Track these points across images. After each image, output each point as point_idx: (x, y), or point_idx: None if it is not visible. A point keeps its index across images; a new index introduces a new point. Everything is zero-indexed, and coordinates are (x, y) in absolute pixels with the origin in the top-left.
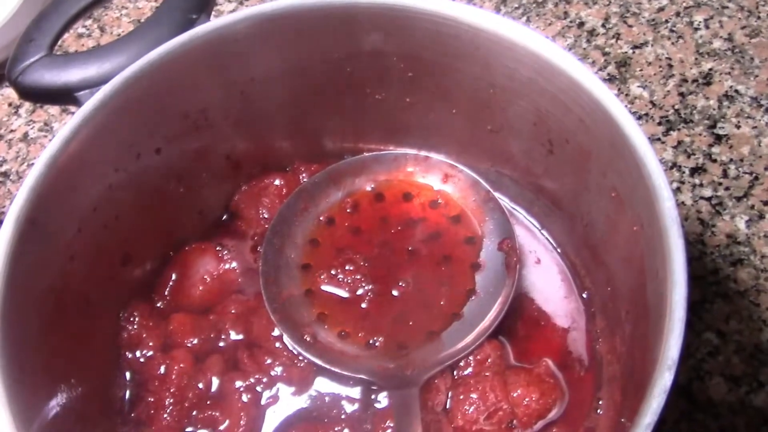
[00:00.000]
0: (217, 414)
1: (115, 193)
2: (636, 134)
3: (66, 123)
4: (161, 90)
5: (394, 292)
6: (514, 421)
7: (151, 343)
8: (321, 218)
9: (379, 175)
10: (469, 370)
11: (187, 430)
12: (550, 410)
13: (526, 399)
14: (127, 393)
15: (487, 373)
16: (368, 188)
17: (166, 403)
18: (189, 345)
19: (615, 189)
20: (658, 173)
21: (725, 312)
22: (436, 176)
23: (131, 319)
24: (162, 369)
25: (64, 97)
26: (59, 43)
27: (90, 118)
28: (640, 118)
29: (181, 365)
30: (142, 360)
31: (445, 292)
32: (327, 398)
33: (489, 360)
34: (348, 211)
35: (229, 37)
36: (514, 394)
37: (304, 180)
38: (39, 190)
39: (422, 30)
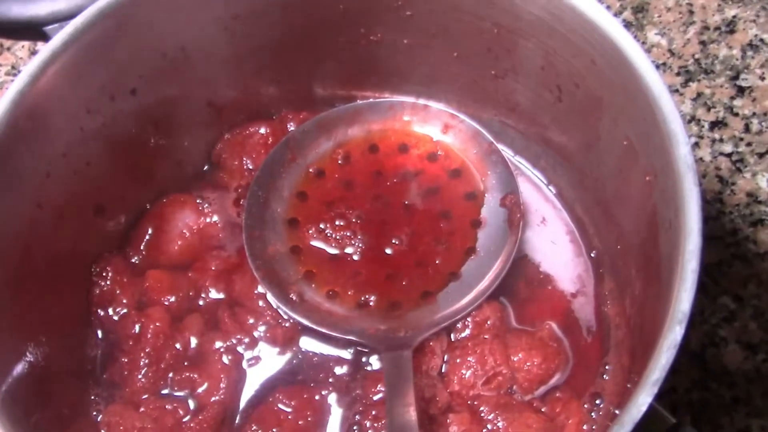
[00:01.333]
0: (196, 376)
1: (87, 136)
2: (651, 75)
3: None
4: (137, 25)
5: (388, 250)
6: (514, 387)
7: (125, 301)
8: (310, 170)
9: (373, 125)
10: (467, 332)
11: (162, 392)
12: (553, 376)
13: (528, 363)
14: (100, 353)
15: (486, 336)
16: (361, 139)
17: (141, 364)
18: (166, 303)
19: (627, 137)
20: (674, 116)
21: (743, 275)
22: (436, 126)
23: (104, 274)
24: (136, 328)
25: (32, 31)
26: None
27: (59, 54)
28: (657, 68)
29: (157, 324)
30: (115, 318)
31: (443, 251)
32: (313, 361)
33: (488, 322)
34: (339, 162)
35: None
36: (515, 359)
37: (292, 129)
38: (4, 129)
39: None
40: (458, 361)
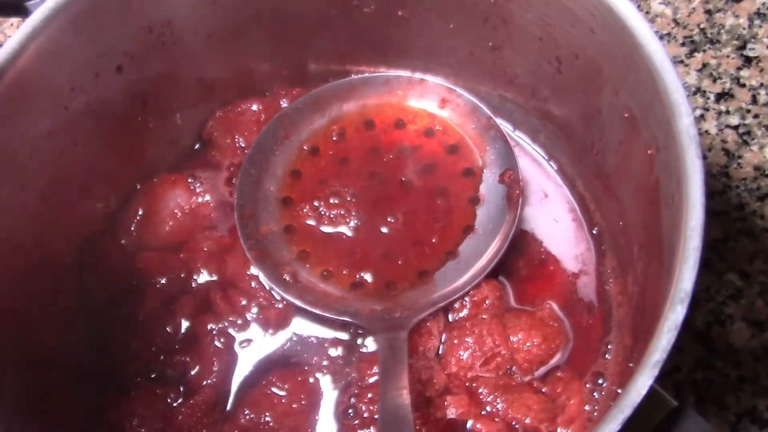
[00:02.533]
0: (188, 359)
1: (72, 115)
2: (652, 44)
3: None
4: None
5: (383, 229)
6: (514, 368)
7: (116, 284)
8: (304, 147)
9: (368, 100)
10: (465, 312)
11: (154, 376)
12: (553, 356)
13: (527, 344)
14: (91, 338)
15: (484, 316)
16: (357, 115)
17: (133, 348)
18: (157, 285)
19: (629, 109)
20: (676, 86)
21: (750, 251)
22: (433, 101)
23: (94, 257)
24: (127, 313)
25: (13, 7)
26: None
27: (40, 30)
28: (661, 38)
29: (147, 307)
30: (106, 302)
31: (440, 229)
32: (307, 343)
33: (487, 302)
34: (334, 139)
35: None
36: (514, 339)
37: (285, 105)
38: None
39: None
40: (456, 342)
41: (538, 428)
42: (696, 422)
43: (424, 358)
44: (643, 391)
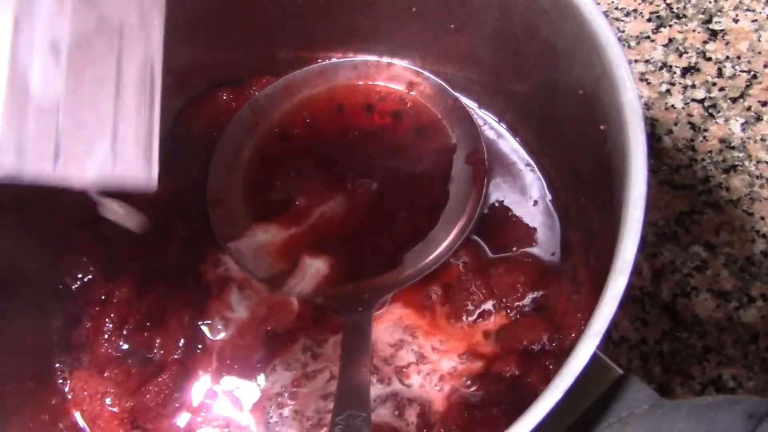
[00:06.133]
0: (159, 340)
1: None
2: (597, 20)
3: None
4: None
5: (354, 213)
6: (508, 310)
7: (92, 268)
8: (274, 134)
9: (337, 85)
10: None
11: (126, 356)
12: (537, 284)
13: (513, 284)
14: (64, 321)
15: (468, 275)
16: (326, 100)
17: (105, 329)
18: (133, 270)
19: (582, 85)
20: (620, 62)
21: (715, 223)
22: (401, 84)
23: (71, 246)
24: (103, 295)
25: None
26: None
27: None
28: (627, 15)
29: (123, 290)
30: (82, 285)
31: (409, 211)
32: (279, 323)
33: (466, 259)
34: (304, 125)
35: None
36: (500, 285)
37: (255, 93)
38: None
39: None
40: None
41: (550, 337)
42: (640, 389)
43: None
44: (585, 360)
